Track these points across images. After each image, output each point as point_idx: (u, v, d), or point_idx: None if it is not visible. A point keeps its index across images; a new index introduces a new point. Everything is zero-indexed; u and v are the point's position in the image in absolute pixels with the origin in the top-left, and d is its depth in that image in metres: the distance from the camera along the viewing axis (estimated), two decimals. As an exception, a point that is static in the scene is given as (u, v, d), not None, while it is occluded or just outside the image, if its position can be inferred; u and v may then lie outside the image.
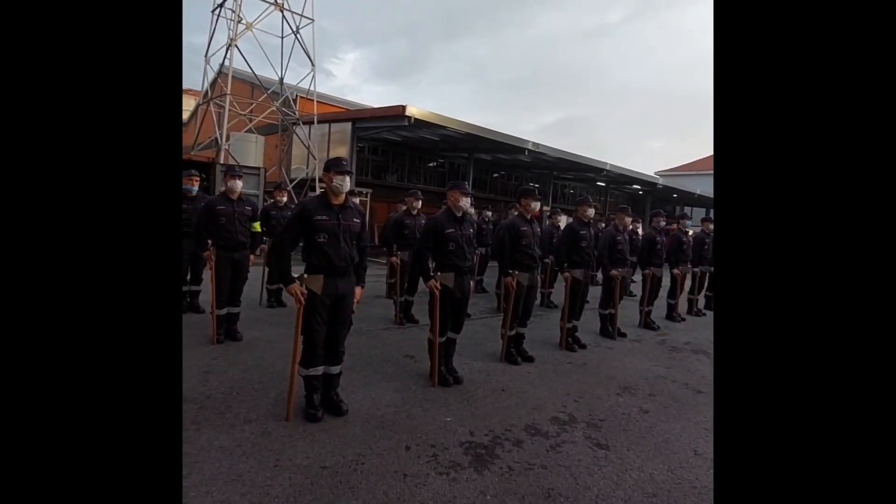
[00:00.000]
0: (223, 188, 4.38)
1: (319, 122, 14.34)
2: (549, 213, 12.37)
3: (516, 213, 6.97)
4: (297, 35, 13.86)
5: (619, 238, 5.48)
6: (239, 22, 12.53)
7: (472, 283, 4.32)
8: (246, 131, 13.60)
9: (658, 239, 6.12)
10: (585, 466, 2.53)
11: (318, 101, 14.59)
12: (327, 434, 2.65)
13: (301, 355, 2.86)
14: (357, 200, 2.70)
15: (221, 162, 10.68)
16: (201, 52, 14.32)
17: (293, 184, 13.59)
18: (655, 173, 26.76)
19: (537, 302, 6.37)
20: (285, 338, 4.50)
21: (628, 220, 5.63)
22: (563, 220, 7.25)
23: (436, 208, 6.77)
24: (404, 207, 5.98)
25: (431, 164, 20.01)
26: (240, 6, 12.54)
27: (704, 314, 7.47)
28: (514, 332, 4.24)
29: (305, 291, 2.74)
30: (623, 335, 5.57)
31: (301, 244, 2.88)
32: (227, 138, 12.36)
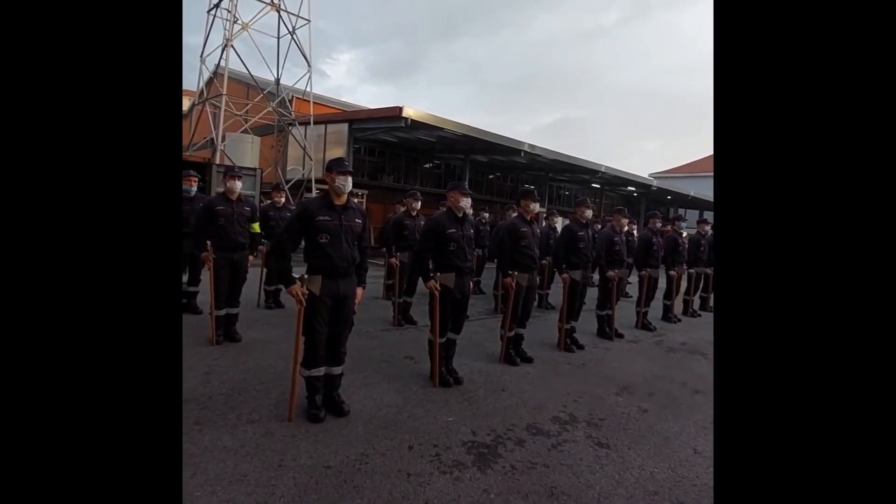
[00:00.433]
0: (221, 189, 4.37)
1: (316, 122, 14.33)
2: (545, 215, 12.43)
3: (514, 214, 7.00)
4: (294, 35, 13.84)
5: (616, 239, 5.52)
6: (235, 22, 12.50)
7: (471, 283, 4.33)
8: (241, 132, 13.56)
9: (654, 240, 6.17)
10: (587, 465, 2.56)
11: (314, 102, 14.58)
12: (330, 434, 2.65)
13: (302, 356, 2.86)
14: (356, 201, 2.71)
15: (217, 162, 10.64)
16: (196, 52, 14.25)
17: (289, 185, 13.55)
18: (650, 175, 26.91)
19: (535, 303, 6.39)
20: (284, 339, 4.49)
21: (625, 221, 5.67)
22: (559, 222, 7.30)
23: (432, 209, 6.77)
24: (403, 209, 5.99)
25: (427, 166, 20.03)
26: (236, 6, 12.52)
27: (700, 315, 7.53)
28: (513, 333, 4.26)
29: (306, 292, 2.74)
30: (620, 336, 5.61)
31: (301, 245, 2.88)
32: (223, 139, 12.32)
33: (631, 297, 7.51)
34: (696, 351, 5.32)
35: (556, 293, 7.87)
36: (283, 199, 5.97)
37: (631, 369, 4.40)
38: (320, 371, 2.89)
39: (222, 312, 4.21)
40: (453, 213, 3.56)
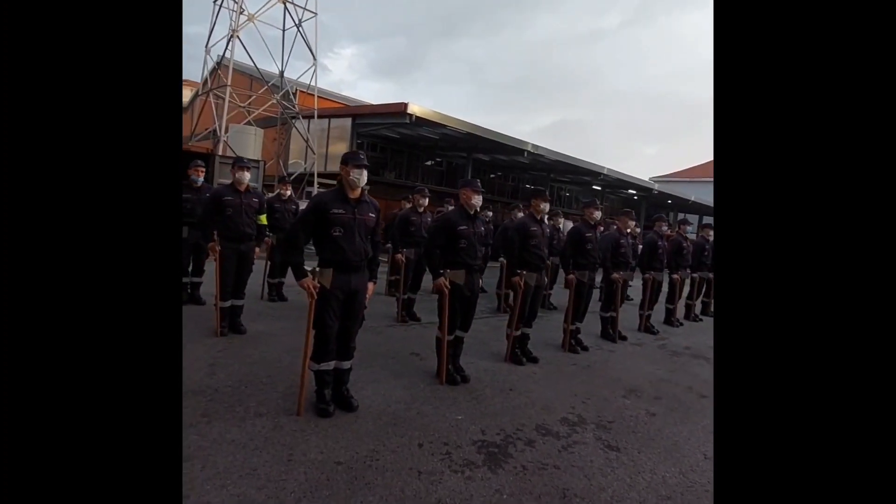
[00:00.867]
0: (228, 180, 4.32)
1: (320, 116, 14.26)
2: (548, 215, 12.39)
3: (520, 213, 6.97)
4: (300, 28, 13.76)
5: (622, 241, 5.50)
6: (241, 13, 12.41)
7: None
8: (244, 124, 13.48)
9: (660, 243, 6.15)
10: (598, 467, 2.54)
11: (318, 96, 14.50)
12: (339, 429, 2.62)
13: (312, 350, 2.82)
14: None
15: (220, 153, 10.57)
16: (198, 43, 14.18)
17: (291, 179, 13.49)
18: (650, 179, 26.96)
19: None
20: (289, 332, 4.46)
21: (632, 223, 5.65)
22: (563, 223, 7.27)
23: (432, 207, 6.72)
24: (409, 205, 5.96)
25: (429, 163, 20.00)
26: (242, -3, 12.42)
27: (701, 320, 7.53)
28: (519, 333, 4.24)
29: (318, 286, 2.71)
30: (623, 338, 5.60)
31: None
32: (226, 130, 12.24)
33: (632, 299, 7.50)
34: (700, 355, 5.31)
35: (558, 293, 7.90)
36: (288, 192, 5.93)
37: (636, 372, 4.39)
38: (330, 365, 2.85)
39: (227, 304, 4.17)
40: (464, 210, 3.53)
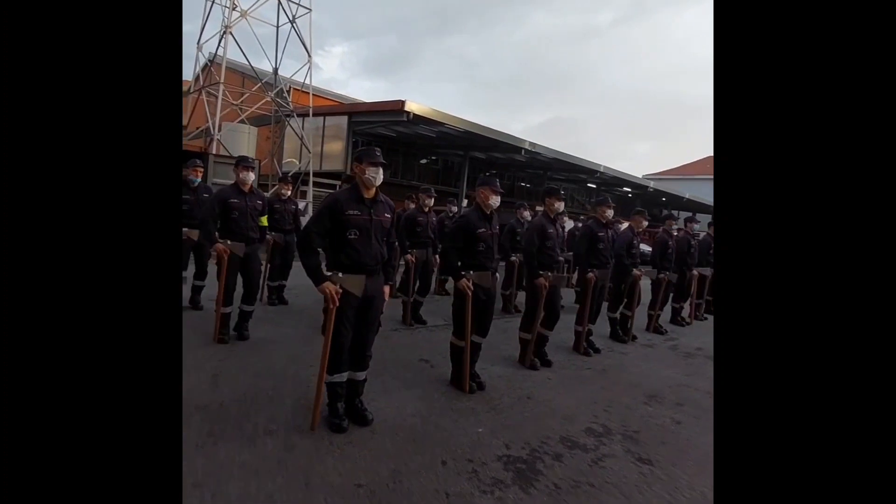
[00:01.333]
0: (222, 180, 4.12)
1: (315, 115, 14.01)
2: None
3: (525, 211, 6.81)
4: (294, 24, 13.50)
5: (634, 241, 5.37)
6: (234, 9, 12.13)
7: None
8: (238, 122, 13.20)
9: (670, 243, 6.03)
10: (634, 484, 2.38)
11: (312, 94, 14.25)
12: (356, 447, 2.44)
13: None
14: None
15: (214, 152, 10.31)
16: (189, 39, 13.87)
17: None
18: (643, 176, 26.97)
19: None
20: (292, 338, 4.28)
21: (645, 223, 5.52)
22: (567, 222, 7.15)
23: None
24: (413, 205, 5.79)
25: (424, 161, 19.81)
26: (235, -7, 12.14)
27: (706, 318, 7.43)
28: (534, 336, 4.08)
29: (340, 291, 2.52)
30: (634, 338, 5.48)
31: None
32: (219, 128, 11.97)
33: (626, 300, 7.37)
34: (713, 357, 5.19)
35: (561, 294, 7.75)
36: (289, 192, 5.72)
37: (653, 376, 4.25)
38: (343, 376, 2.67)
39: (228, 310, 3.97)
40: (482, 211, 3.36)
